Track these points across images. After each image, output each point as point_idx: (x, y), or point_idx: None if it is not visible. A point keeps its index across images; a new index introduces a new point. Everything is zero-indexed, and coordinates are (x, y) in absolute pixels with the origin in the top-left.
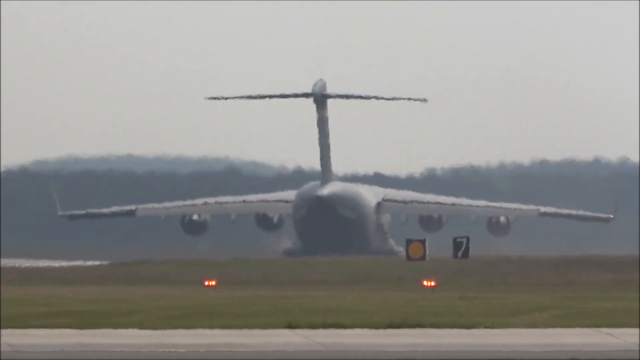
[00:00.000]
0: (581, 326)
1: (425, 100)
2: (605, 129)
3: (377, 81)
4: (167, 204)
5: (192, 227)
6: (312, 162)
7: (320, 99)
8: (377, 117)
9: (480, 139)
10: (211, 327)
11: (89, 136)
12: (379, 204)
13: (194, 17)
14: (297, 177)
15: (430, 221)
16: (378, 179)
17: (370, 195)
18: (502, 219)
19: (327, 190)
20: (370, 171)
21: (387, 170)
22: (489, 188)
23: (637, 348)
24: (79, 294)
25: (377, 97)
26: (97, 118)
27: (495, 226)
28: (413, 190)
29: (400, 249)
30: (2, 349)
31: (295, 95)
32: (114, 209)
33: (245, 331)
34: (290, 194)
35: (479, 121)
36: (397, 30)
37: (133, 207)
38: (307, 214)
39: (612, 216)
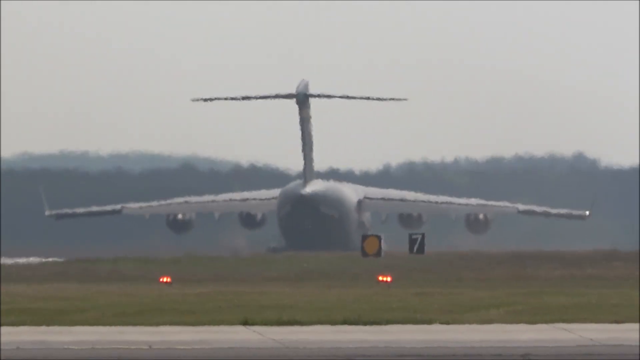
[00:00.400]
0: (536, 322)
1: (405, 99)
2: (560, 124)
3: (348, 80)
4: (153, 203)
5: (177, 225)
6: (266, 159)
7: (303, 98)
8: (334, 114)
9: (436, 135)
10: (166, 324)
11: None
12: (359, 202)
13: (176, 17)
14: (252, 174)
15: (410, 219)
16: (332, 175)
17: (352, 193)
18: (481, 216)
19: (309, 188)
20: (324, 167)
21: (342, 165)
22: (444, 184)
23: (592, 343)
24: (35, 292)
25: (355, 97)
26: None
27: (474, 224)
28: (367, 184)
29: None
30: None
31: (279, 96)
32: (98, 208)
33: (201, 328)
34: (274, 192)
35: (435, 117)
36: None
37: (119, 206)
38: (290, 212)
39: (587, 213)
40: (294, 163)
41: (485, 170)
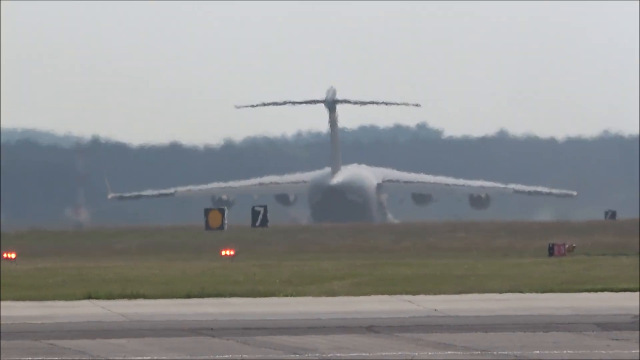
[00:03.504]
0: (380, 293)
1: (418, 105)
2: (404, 95)
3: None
4: (202, 187)
5: (222, 204)
6: (108, 131)
7: (332, 105)
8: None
9: (273, 110)
10: (9, 299)
11: None
12: (379, 185)
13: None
14: (93, 147)
15: (421, 198)
16: (174, 149)
17: (372, 177)
18: (483, 195)
19: (337, 179)
20: (166, 141)
21: (185, 140)
22: (285, 158)
23: (436, 313)
24: None
25: (378, 102)
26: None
27: (476, 201)
28: None
29: (396, 222)
30: None
31: (315, 102)
32: (154, 191)
33: (44, 302)
34: (305, 176)
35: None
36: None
37: (172, 190)
38: (320, 200)
39: (575, 193)
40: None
41: (326, 141)
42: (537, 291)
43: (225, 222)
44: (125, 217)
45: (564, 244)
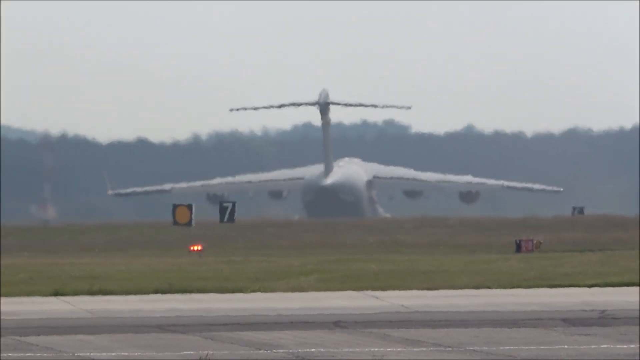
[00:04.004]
0: (347, 289)
1: (409, 107)
2: (370, 93)
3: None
4: (196, 183)
5: (216, 200)
6: (76, 127)
7: (324, 106)
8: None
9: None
10: None
11: None
12: (369, 182)
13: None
14: (60, 143)
15: (413, 193)
16: (142, 144)
17: (362, 173)
18: (473, 191)
19: (329, 180)
20: (133, 137)
21: (152, 136)
22: (252, 153)
23: (404, 309)
24: None
25: (367, 105)
26: None
27: (466, 196)
28: None
29: (387, 215)
30: None
31: (306, 104)
32: (152, 187)
33: (11, 299)
34: (298, 172)
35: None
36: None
37: (169, 187)
38: (313, 199)
39: (561, 189)
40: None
41: (294, 139)
42: (504, 287)
43: (193, 218)
44: (93, 214)
45: (531, 240)
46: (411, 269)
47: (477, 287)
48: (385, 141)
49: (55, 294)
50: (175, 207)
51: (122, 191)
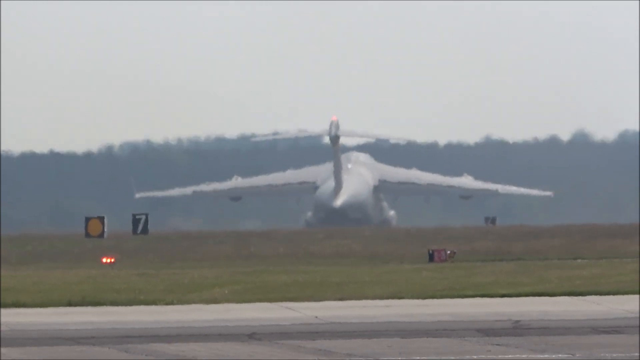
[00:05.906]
0: (261, 300)
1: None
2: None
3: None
4: (216, 185)
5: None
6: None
7: (335, 138)
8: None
9: (157, 116)
10: None
11: None
12: (376, 187)
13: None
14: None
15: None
16: (54, 157)
17: (369, 180)
18: (471, 195)
19: (340, 200)
20: (45, 149)
21: (63, 147)
22: (167, 164)
23: (317, 320)
24: None
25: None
26: None
27: (465, 198)
28: None
29: (392, 212)
30: None
31: (316, 135)
32: (177, 190)
33: None
34: (309, 174)
35: (155, 98)
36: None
37: (191, 190)
38: (324, 217)
39: (552, 194)
40: None
41: (207, 149)
42: (417, 297)
43: (105, 230)
44: (5, 226)
45: (444, 250)
46: (323, 280)
47: (390, 298)
48: (298, 152)
49: None
50: (87, 219)
51: (149, 194)
